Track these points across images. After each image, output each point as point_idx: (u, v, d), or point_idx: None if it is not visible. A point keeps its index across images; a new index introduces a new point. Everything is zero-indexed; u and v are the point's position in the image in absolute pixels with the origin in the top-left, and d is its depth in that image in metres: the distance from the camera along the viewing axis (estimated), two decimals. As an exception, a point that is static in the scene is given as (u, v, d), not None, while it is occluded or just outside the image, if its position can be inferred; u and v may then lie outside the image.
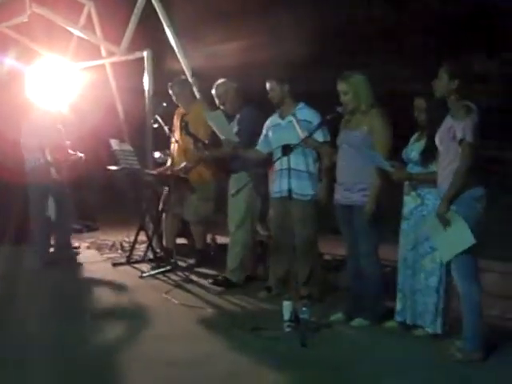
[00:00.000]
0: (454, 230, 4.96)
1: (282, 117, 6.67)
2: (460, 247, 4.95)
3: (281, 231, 6.73)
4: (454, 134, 4.93)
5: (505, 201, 9.49)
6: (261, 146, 6.86)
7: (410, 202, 5.66)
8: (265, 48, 14.18)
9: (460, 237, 4.93)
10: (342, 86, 5.85)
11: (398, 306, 5.74)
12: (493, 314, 5.63)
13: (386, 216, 5.84)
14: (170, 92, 8.14)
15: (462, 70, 5.10)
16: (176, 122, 8.25)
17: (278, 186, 6.59)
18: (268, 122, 6.84)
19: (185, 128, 7.64)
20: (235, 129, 7.15)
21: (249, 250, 7.33)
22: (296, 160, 6.22)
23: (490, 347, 5.11)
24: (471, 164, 4.89)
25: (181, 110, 8.21)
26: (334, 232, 6.23)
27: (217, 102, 7.43)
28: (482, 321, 5.06)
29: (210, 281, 7.39)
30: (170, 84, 8.17)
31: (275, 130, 6.70)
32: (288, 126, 6.52)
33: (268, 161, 6.82)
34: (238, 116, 7.29)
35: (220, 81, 7.44)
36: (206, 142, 7.51)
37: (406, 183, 5.67)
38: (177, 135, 8.18)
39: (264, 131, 6.85)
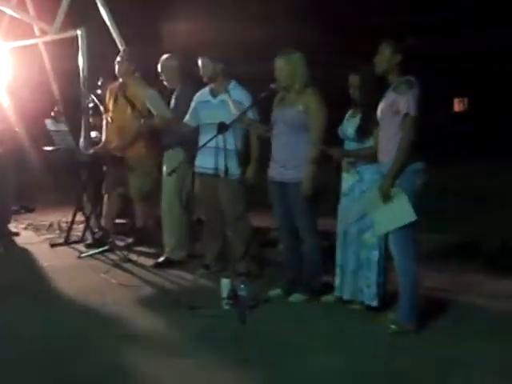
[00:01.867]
0: (395, 205, 5.03)
1: (214, 94, 6.65)
2: (400, 222, 5.03)
3: (210, 209, 6.79)
4: (397, 108, 4.99)
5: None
6: (189, 119, 6.83)
7: (347, 178, 5.72)
8: (206, 26, 14.18)
9: (401, 212, 5.01)
10: (278, 63, 5.86)
11: (337, 281, 5.81)
12: (425, 285, 5.73)
13: (323, 192, 5.89)
14: (118, 60, 7.98)
15: (403, 45, 5.17)
16: (109, 98, 8.16)
17: (209, 162, 6.55)
18: (197, 97, 6.81)
19: (123, 94, 7.58)
20: (172, 103, 7.15)
21: (184, 228, 7.34)
22: (228, 139, 6.22)
23: (423, 319, 5.23)
24: (414, 138, 4.97)
25: (112, 85, 8.13)
26: (269, 207, 6.26)
27: (161, 76, 7.35)
28: (417, 293, 5.17)
29: (152, 264, 7.37)
30: (120, 54, 8.04)
31: (205, 107, 6.68)
32: (220, 104, 6.50)
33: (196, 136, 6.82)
34: (176, 91, 7.26)
35: (164, 56, 7.38)
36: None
37: (344, 160, 5.73)
38: (110, 112, 8.11)
39: (193, 104, 6.82)
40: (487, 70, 22.60)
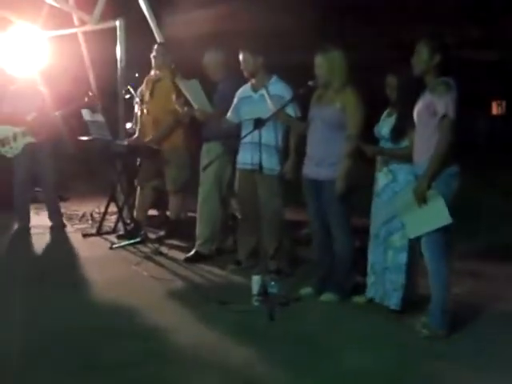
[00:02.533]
0: (430, 208, 4.96)
1: (255, 90, 6.61)
2: (435, 225, 4.95)
3: (248, 204, 6.74)
4: (434, 110, 4.91)
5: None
6: (231, 116, 6.81)
7: (381, 178, 5.66)
8: (243, 15, 14.10)
9: (436, 215, 4.93)
10: (318, 60, 5.81)
11: (370, 281, 5.76)
12: (456, 291, 5.66)
13: (357, 191, 5.84)
14: (153, 54, 8.00)
15: (443, 45, 5.09)
16: (145, 90, 8.16)
17: (247, 158, 6.54)
18: (239, 93, 6.78)
19: (172, 79, 7.60)
20: (215, 96, 7.11)
21: (218, 223, 7.30)
22: (266, 134, 6.20)
23: (456, 324, 5.16)
24: (452, 140, 4.90)
25: (151, 77, 8.13)
26: (304, 204, 6.22)
27: (206, 69, 7.32)
28: (449, 298, 5.10)
29: (183, 258, 7.35)
30: (155, 47, 8.04)
31: (246, 103, 6.65)
32: (260, 99, 6.47)
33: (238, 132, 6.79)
34: (219, 85, 7.23)
35: (210, 49, 7.35)
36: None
37: (378, 159, 5.68)
38: (146, 104, 8.11)
39: (235, 100, 6.80)
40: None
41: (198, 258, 7.23)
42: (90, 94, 8.76)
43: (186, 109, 7.26)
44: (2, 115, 8.62)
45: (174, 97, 7.41)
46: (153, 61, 7.97)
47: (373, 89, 5.89)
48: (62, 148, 9.69)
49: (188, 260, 7.25)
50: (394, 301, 5.55)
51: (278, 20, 15.39)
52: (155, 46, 8.05)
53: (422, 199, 4.98)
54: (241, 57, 6.62)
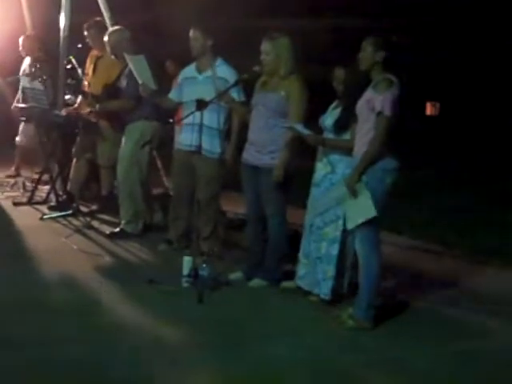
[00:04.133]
0: (359, 200, 5.03)
1: (199, 71, 6.57)
2: (361, 218, 5.04)
3: (183, 185, 6.72)
4: (373, 105, 4.97)
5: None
6: (173, 95, 6.76)
7: (321, 168, 5.70)
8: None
9: (363, 208, 5.01)
10: (265, 46, 5.79)
11: (302, 271, 5.77)
12: (386, 285, 5.75)
13: (295, 180, 5.87)
14: (86, 33, 7.96)
15: (387, 43, 5.14)
16: (89, 66, 8.08)
17: (187, 139, 6.50)
18: (183, 73, 6.73)
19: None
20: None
21: (141, 200, 7.28)
22: (209, 116, 6.18)
23: (381, 317, 5.24)
24: (386, 137, 4.96)
25: (94, 52, 8.04)
26: (238, 190, 6.23)
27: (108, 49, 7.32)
28: (376, 291, 5.18)
29: (108, 233, 7.31)
30: (85, 25, 7.97)
31: (189, 83, 6.59)
32: (204, 81, 6.45)
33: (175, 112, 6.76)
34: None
35: (113, 28, 7.38)
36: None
37: (319, 149, 5.72)
38: (89, 78, 8.02)
39: (178, 80, 6.75)
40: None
41: (122, 236, 7.18)
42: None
43: (97, 106, 7.41)
44: None
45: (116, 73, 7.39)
46: (88, 39, 7.93)
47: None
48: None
49: (112, 235, 7.20)
50: (324, 290, 5.60)
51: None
52: (86, 25, 8.00)
53: (351, 191, 5.05)
54: (191, 34, 6.54)
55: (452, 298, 5.99)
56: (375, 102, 4.96)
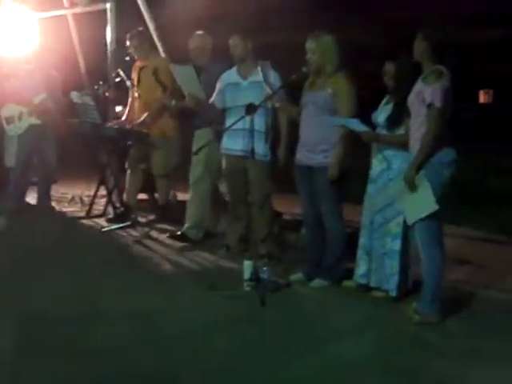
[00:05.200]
0: (419, 195, 4.98)
1: (243, 76, 6.59)
2: (423, 212, 4.98)
3: (237, 190, 6.72)
4: (423, 98, 4.92)
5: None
6: (216, 101, 6.76)
7: (376, 164, 5.67)
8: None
9: (424, 202, 4.96)
10: (310, 45, 5.80)
11: (363, 268, 5.74)
12: (450, 278, 5.68)
13: (351, 177, 5.85)
14: (128, 44, 8.02)
15: (436, 34, 5.07)
16: (134, 76, 8.14)
17: (238, 144, 6.50)
18: (225, 78, 6.72)
19: (155, 75, 7.56)
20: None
21: (208, 207, 7.29)
22: (258, 120, 6.18)
23: (447, 310, 5.18)
24: (439, 129, 4.90)
25: (138, 63, 8.11)
26: (294, 192, 6.22)
27: (191, 54, 7.28)
28: (441, 285, 5.12)
29: (168, 235, 7.37)
30: (128, 35, 8.04)
31: (233, 90, 6.60)
32: (249, 86, 6.48)
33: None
34: (205, 70, 7.16)
35: (197, 33, 7.32)
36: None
37: (373, 145, 5.68)
38: (135, 89, 8.09)
39: (219, 86, 6.74)
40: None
41: (183, 239, 7.22)
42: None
43: (173, 102, 7.29)
44: (11, 94, 8.59)
45: (160, 91, 7.42)
46: (131, 49, 8.01)
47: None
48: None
49: (173, 237, 7.27)
50: (391, 286, 5.57)
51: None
52: (128, 36, 8.05)
53: (411, 186, 5.00)
54: (231, 41, 6.57)
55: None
56: (425, 94, 4.91)
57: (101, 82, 8.71)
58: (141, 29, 8.25)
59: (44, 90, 8.56)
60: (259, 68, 6.28)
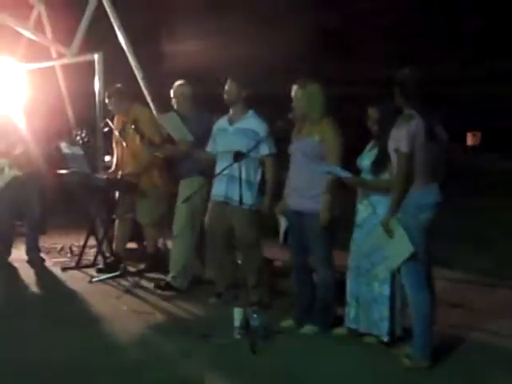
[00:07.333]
0: (396, 239, 5.01)
1: (230, 122, 6.65)
2: (401, 257, 5.00)
3: (218, 235, 6.72)
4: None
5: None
6: (210, 147, 6.83)
7: (362, 210, 5.69)
8: (220, 49, 14.15)
9: (401, 246, 4.98)
10: (297, 93, 5.88)
11: (351, 313, 5.74)
12: (442, 321, 5.68)
13: (339, 222, 5.87)
14: (107, 101, 8.08)
15: (404, 78, 5.12)
16: (117, 125, 8.16)
17: (221, 190, 6.55)
18: (217, 124, 6.81)
19: (134, 126, 7.59)
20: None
21: (191, 256, 7.30)
22: (245, 168, 6.27)
23: (438, 355, 5.17)
24: (406, 173, 4.93)
25: (120, 118, 8.14)
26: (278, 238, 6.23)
27: (173, 102, 7.38)
28: (432, 329, 5.11)
29: (153, 284, 7.37)
30: (106, 93, 8.11)
31: (221, 135, 6.68)
32: (234, 132, 6.55)
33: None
34: (188, 119, 7.23)
35: (178, 82, 7.42)
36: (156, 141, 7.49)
37: (359, 191, 5.71)
38: (122, 139, 8.10)
39: (213, 132, 6.82)
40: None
41: (168, 289, 7.22)
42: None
43: (152, 149, 7.41)
44: None
45: (137, 139, 7.47)
46: (109, 107, 8.08)
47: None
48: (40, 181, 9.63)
49: (158, 286, 7.30)
50: (382, 331, 5.55)
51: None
52: (106, 93, 8.11)
53: (387, 231, 5.03)
54: (227, 85, 6.65)
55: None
56: (394, 140, 4.97)
57: (84, 130, 8.68)
58: (119, 85, 8.27)
59: (26, 141, 8.51)
60: (248, 115, 6.36)
